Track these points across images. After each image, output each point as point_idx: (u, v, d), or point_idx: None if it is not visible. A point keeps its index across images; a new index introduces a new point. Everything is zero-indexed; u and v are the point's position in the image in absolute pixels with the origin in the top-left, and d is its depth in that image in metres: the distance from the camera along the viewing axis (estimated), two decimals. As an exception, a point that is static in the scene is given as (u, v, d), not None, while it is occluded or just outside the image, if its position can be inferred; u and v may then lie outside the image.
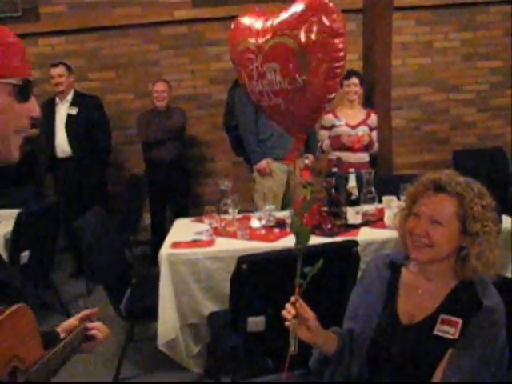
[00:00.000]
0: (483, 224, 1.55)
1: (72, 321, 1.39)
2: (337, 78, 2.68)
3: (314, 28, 2.56)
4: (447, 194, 1.59)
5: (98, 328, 1.37)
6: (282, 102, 2.84)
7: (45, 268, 3.99)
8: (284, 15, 2.74)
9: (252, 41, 2.85)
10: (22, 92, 1.05)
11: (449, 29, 5.97)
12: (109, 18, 5.66)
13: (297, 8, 2.67)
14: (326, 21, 2.55)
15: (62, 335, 1.33)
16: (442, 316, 1.59)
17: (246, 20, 2.98)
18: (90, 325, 1.36)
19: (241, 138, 4.54)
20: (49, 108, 4.91)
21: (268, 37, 2.76)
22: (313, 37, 2.57)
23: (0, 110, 1.02)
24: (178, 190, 5.24)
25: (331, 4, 2.60)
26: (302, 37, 2.59)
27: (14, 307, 1.03)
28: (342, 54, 2.61)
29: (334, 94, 2.73)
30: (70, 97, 4.88)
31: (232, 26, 3.05)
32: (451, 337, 1.55)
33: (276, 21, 2.77)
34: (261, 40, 2.80)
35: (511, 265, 2.79)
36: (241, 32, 2.96)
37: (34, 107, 1.09)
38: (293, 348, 1.51)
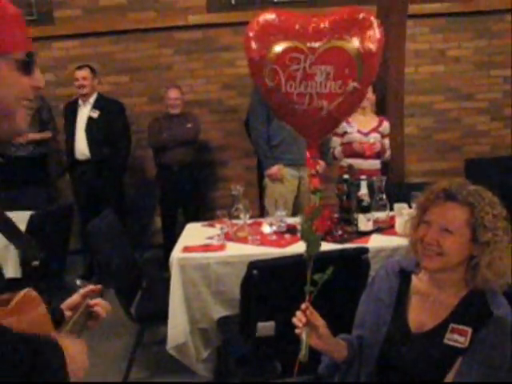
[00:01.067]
0: (494, 233, 1.55)
1: (75, 298, 1.37)
2: (369, 85, 3.00)
3: (373, 38, 2.78)
4: (458, 202, 1.59)
5: (99, 305, 1.35)
6: (326, 106, 2.88)
7: (57, 270, 4.02)
8: (335, 20, 2.84)
9: (301, 41, 2.85)
10: (26, 66, 1.04)
11: (462, 37, 5.95)
12: (123, 22, 5.70)
13: (348, 16, 2.84)
14: (377, 31, 2.79)
15: (67, 313, 1.33)
16: (452, 325, 1.59)
17: (280, 19, 2.93)
18: (92, 302, 1.35)
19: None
20: (71, 110, 4.98)
21: (323, 39, 2.81)
22: (371, 46, 2.74)
23: (5, 85, 1.01)
24: (190, 194, 5.25)
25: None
26: (362, 44, 2.77)
27: (22, 292, 1.04)
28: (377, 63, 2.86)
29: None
30: (92, 99, 4.93)
31: (256, 23, 2.97)
32: (461, 346, 1.55)
33: (328, 25, 2.83)
34: (314, 41, 2.82)
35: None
36: (277, 30, 2.90)
37: (38, 78, 1.08)
38: (303, 355, 1.52)
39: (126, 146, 5.10)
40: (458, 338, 1.56)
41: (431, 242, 1.59)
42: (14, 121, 1.04)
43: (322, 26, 2.82)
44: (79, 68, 4.92)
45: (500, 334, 1.52)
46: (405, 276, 1.75)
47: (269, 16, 2.92)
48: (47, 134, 5.17)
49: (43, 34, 5.49)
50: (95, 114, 4.88)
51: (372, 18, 2.81)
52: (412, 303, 1.70)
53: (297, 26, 2.85)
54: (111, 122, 4.90)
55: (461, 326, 1.57)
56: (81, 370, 1.10)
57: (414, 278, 1.74)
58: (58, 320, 1.26)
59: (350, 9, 2.89)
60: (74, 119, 4.92)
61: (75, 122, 4.92)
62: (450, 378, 1.54)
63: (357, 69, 2.78)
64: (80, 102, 4.95)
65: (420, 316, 1.67)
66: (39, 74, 1.09)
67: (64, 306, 1.35)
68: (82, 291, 1.38)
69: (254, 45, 2.91)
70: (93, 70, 4.95)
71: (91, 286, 1.39)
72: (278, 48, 2.85)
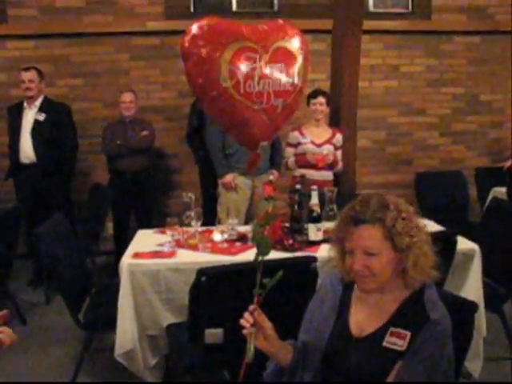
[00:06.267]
0: (410, 235, 1.59)
1: None
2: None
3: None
4: (367, 223, 1.60)
5: (4, 332, 1.36)
6: (281, 104, 2.98)
7: (2, 275, 3.92)
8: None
9: (252, 41, 2.91)
10: None
11: (415, 54, 6.14)
12: (80, 25, 5.64)
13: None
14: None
15: None
16: (392, 329, 1.63)
17: (219, 24, 2.97)
18: None
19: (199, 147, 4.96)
20: (16, 112, 4.85)
21: (271, 39, 2.96)
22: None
23: None
24: (143, 200, 5.21)
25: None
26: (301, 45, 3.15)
27: None
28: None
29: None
30: (38, 102, 4.81)
31: (200, 27, 2.91)
32: (399, 349, 1.59)
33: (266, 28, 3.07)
34: (263, 41, 2.91)
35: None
36: (220, 34, 2.90)
37: None
38: (250, 356, 1.53)
39: (72, 149, 5.00)
40: (396, 341, 1.59)
41: (361, 269, 1.61)
42: None
43: (261, 29, 3.01)
44: (25, 69, 4.78)
45: (436, 337, 1.56)
46: (348, 283, 1.79)
47: (211, 21, 2.94)
48: None
49: (-4, 32, 5.37)
50: (41, 117, 4.77)
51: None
52: (354, 308, 1.74)
53: (244, 29, 2.92)
54: (58, 125, 4.81)
55: (400, 330, 1.61)
56: None
57: (356, 284, 1.78)
58: None
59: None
60: (19, 122, 4.79)
61: (20, 125, 4.79)
62: (389, 380, 1.57)
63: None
64: (25, 104, 4.82)
65: (362, 321, 1.70)
66: None
67: None
68: None
69: (203, 48, 2.85)
70: (39, 72, 4.82)
71: None
72: (228, 49, 2.87)
